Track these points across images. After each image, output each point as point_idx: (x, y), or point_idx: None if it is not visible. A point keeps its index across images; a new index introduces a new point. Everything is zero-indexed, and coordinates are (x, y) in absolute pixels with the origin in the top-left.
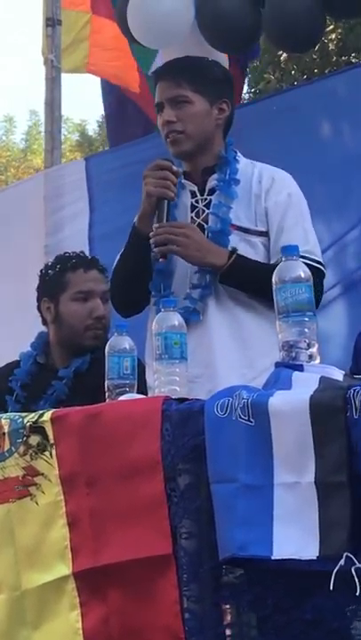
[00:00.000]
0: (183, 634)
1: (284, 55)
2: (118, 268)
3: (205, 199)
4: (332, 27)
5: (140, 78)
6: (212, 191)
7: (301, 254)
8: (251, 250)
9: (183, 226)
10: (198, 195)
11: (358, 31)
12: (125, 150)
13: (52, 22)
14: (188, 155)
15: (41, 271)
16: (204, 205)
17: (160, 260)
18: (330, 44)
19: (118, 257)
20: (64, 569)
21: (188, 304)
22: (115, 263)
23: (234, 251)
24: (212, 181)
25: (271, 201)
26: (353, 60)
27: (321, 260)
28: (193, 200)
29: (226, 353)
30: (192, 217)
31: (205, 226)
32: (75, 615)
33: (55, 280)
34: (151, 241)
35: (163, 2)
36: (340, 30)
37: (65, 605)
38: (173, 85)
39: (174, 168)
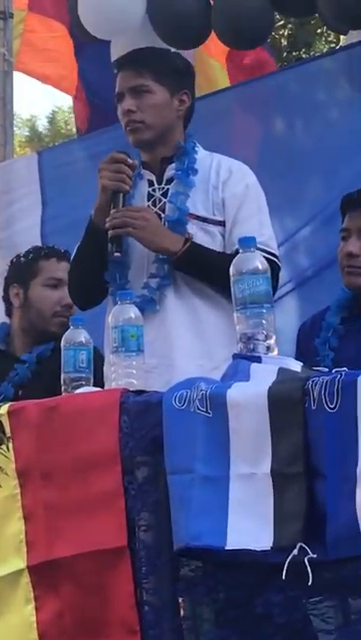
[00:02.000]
0: (138, 626)
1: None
2: (75, 261)
3: (163, 188)
4: (282, 22)
5: (78, 83)
6: (169, 181)
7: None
8: (209, 239)
9: (140, 210)
10: (156, 184)
11: (309, 27)
12: (78, 144)
13: (3, 15)
14: (147, 144)
15: (11, 260)
16: (161, 194)
17: (115, 254)
18: (281, 40)
19: (75, 250)
20: (19, 562)
21: (146, 293)
22: (71, 257)
23: (189, 238)
24: (170, 171)
25: (229, 192)
26: (304, 56)
27: (276, 253)
28: (150, 189)
29: (183, 343)
30: (149, 205)
31: (162, 215)
32: (29, 609)
33: (27, 266)
34: (107, 225)
35: None
36: (290, 26)
37: (20, 599)
38: (134, 75)
39: (129, 160)
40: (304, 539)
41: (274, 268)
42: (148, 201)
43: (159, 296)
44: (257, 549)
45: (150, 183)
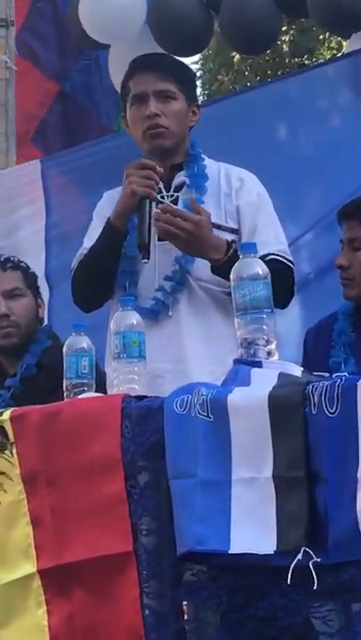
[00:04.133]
0: (143, 630)
1: (238, 57)
2: (85, 263)
3: (172, 195)
4: (284, 28)
5: None
6: (178, 188)
7: (276, 253)
8: None
9: (188, 218)
10: (164, 191)
11: (311, 33)
12: (81, 152)
13: (5, 23)
14: (165, 151)
15: None
16: (170, 202)
17: (143, 261)
18: (283, 46)
19: (86, 252)
20: (29, 567)
21: (160, 297)
22: (76, 259)
23: (231, 244)
24: (179, 178)
25: (242, 200)
26: (306, 62)
27: (292, 259)
28: (158, 196)
29: (196, 349)
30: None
31: None
32: (41, 613)
33: None
34: (158, 229)
35: None
36: (292, 32)
37: (32, 603)
38: (162, 79)
39: (158, 168)
40: (307, 543)
41: (292, 272)
42: (157, 208)
43: (172, 300)
44: (260, 553)
45: (158, 190)
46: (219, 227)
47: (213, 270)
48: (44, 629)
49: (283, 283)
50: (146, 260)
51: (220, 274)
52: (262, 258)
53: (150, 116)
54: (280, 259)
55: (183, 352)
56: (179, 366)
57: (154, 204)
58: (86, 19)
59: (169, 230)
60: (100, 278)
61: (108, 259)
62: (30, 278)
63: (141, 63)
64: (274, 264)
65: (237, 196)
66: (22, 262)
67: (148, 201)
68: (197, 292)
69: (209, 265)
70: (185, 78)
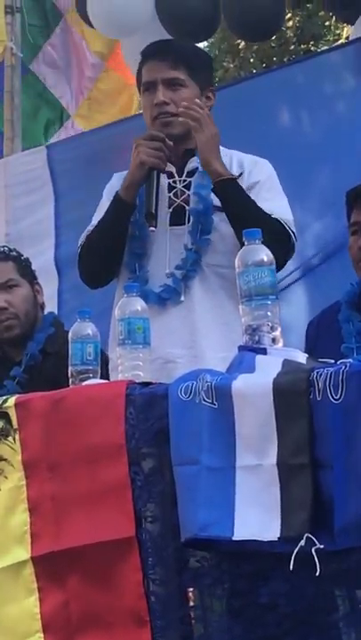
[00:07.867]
0: (148, 615)
1: (243, 44)
2: (94, 237)
3: (184, 180)
4: (290, 14)
5: None
6: (190, 173)
7: (280, 218)
8: (230, 229)
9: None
10: (176, 176)
11: (316, 19)
12: (88, 138)
13: (11, 10)
14: (176, 138)
15: None
16: (183, 187)
17: (150, 229)
18: (288, 32)
19: (94, 226)
20: (22, 554)
21: (170, 283)
22: (84, 236)
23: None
24: (191, 163)
25: (253, 179)
26: (311, 48)
27: (295, 232)
28: (170, 181)
29: (209, 335)
30: (170, 197)
31: (186, 207)
32: (32, 600)
33: None
34: (181, 111)
35: None
36: (298, 18)
37: (20, 590)
38: (171, 67)
39: (167, 141)
40: (311, 529)
41: (289, 241)
42: (169, 192)
43: (183, 287)
44: (264, 540)
45: (170, 175)
46: None
47: (216, 187)
48: (35, 617)
49: (278, 243)
50: (153, 228)
51: (223, 191)
52: None
53: (159, 104)
54: (283, 223)
55: (196, 337)
56: (191, 352)
57: (162, 175)
58: (95, 16)
59: (193, 114)
60: (108, 252)
61: (116, 232)
62: (23, 266)
63: (152, 51)
64: (275, 224)
65: (249, 175)
66: (13, 251)
67: (156, 172)
68: (210, 277)
69: (220, 250)
70: (197, 64)
